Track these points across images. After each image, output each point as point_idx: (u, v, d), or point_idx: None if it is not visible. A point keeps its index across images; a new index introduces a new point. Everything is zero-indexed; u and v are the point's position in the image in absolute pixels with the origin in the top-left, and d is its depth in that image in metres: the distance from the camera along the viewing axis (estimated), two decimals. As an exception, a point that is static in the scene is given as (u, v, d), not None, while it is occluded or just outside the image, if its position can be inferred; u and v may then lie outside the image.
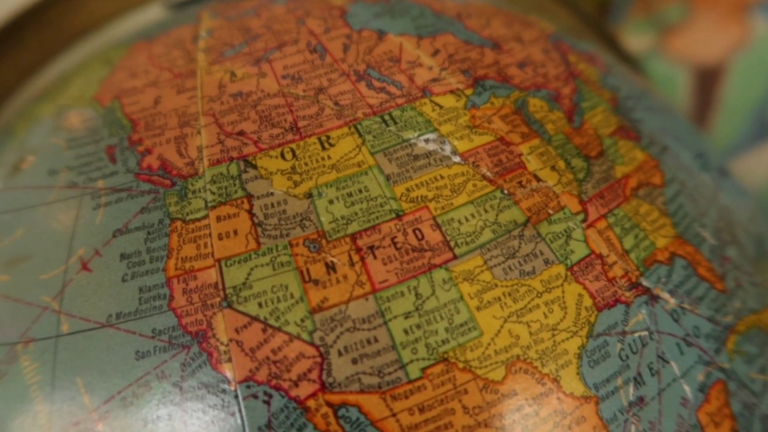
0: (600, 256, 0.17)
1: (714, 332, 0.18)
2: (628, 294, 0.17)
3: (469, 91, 0.19)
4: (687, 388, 0.17)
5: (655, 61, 0.51)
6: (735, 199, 0.22)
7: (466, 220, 0.17)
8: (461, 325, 0.15)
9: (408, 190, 0.17)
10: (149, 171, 0.18)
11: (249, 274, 0.16)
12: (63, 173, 0.19)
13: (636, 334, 0.17)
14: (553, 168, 0.18)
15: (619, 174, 0.19)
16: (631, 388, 0.16)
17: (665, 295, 0.17)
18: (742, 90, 0.50)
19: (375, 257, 0.16)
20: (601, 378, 0.16)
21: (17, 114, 0.25)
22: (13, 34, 0.28)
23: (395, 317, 0.15)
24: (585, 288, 0.17)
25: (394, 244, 0.16)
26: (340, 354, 0.15)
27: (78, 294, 0.16)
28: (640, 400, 0.16)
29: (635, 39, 0.53)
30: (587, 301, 0.16)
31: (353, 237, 0.16)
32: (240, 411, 0.15)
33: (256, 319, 0.15)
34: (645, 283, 0.17)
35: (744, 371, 0.18)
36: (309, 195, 0.17)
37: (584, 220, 0.17)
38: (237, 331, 0.15)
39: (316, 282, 0.16)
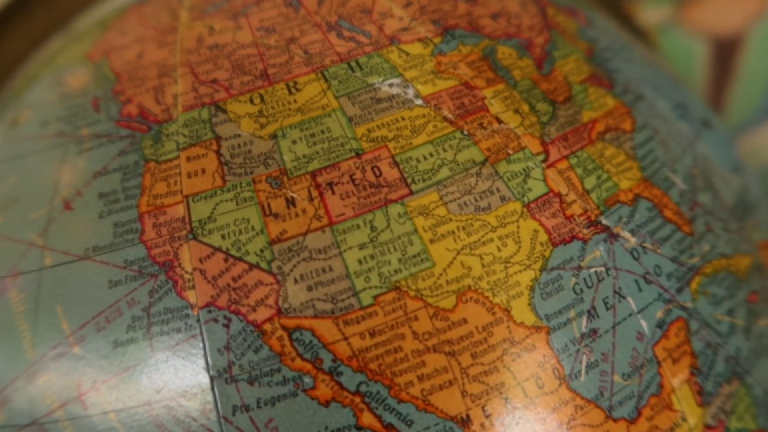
0: (558, 195, 0.17)
1: (677, 272, 0.18)
2: (585, 231, 0.17)
3: (437, 40, 0.19)
4: (644, 323, 0.17)
5: (672, 33, 0.51)
6: (717, 149, 0.22)
7: (424, 158, 0.17)
8: (414, 257, 0.16)
9: (369, 130, 0.17)
10: (128, 118, 0.19)
11: (214, 209, 0.17)
12: (53, 124, 0.20)
13: (592, 270, 0.17)
14: (516, 111, 0.18)
15: (586, 118, 0.19)
16: (584, 321, 0.16)
17: (626, 234, 0.18)
18: (760, 60, 0.48)
19: (333, 192, 0.16)
20: (553, 309, 0.16)
21: (24, 79, 0.26)
22: (23, 4, 0.29)
23: (350, 248, 0.16)
24: (541, 224, 0.17)
25: (353, 180, 0.17)
26: (296, 282, 0.16)
27: (60, 230, 0.18)
28: (593, 332, 0.16)
29: (652, 11, 0.52)
30: (542, 237, 0.17)
31: (313, 174, 0.17)
32: (201, 334, 0.15)
33: (218, 249, 0.16)
34: (605, 221, 0.18)
35: (708, 311, 0.18)
36: (274, 136, 0.17)
37: (545, 161, 0.18)
38: (201, 260, 0.16)
39: (276, 215, 0.16)
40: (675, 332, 0.17)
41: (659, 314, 0.17)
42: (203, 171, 0.17)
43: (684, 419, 0.17)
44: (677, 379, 0.17)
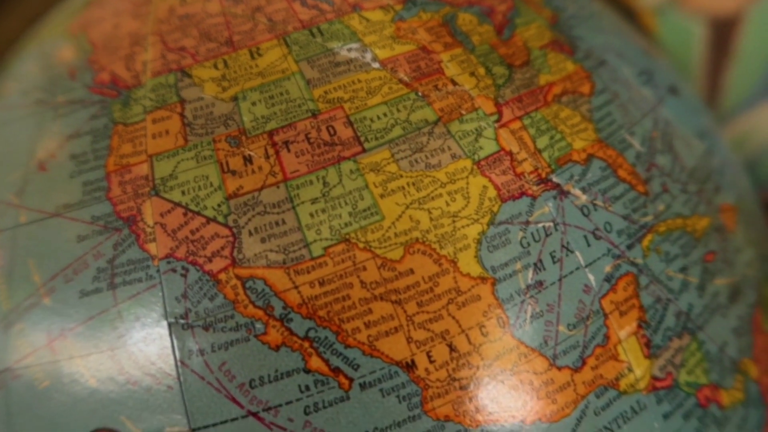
0: (509, 153, 0.18)
1: (628, 229, 0.18)
2: (535, 188, 0.18)
3: (398, 7, 0.20)
4: (591, 276, 0.17)
5: (670, 15, 0.50)
6: (682, 114, 0.23)
7: (378, 118, 0.18)
8: (364, 210, 0.17)
9: (326, 92, 0.18)
10: (101, 85, 0.19)
11: (176, 167, 0.17)
12: (32, 93, 0.21)
13: (540, 225, 0.17)
14: (472, 74, 0.19)
15: (543, 82, 0.20)
16: (530, 273, 0.17)
17: (576, 192, 0.18)
18: (758, 40, 0.48)
19: (289, 151, 0.17)
20: (499, 262, 0.17)
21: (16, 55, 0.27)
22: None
23: (303, 202, 0.17)
24: (491, 181, 0.17)
25: (308, 139, 0.17)
26: (250, 234, 0.16)
27: (35, 190, 0.18)
28: (539, 284, 0.17)
29: (651, -8, 0.52)
30: (491, 193, 0.17)
31: (270, 133, 0.17)
32: (160, 283, 0.16)
33: (178, 204, 0.17)
34: (555, 179, 0.18)
35: (660, 268, 0.19)
36: (234, 98, 0.18)
37: (497, 121, 0.18)
38: (162, 215, 0.17)
39: (233, 172, 0.17)
40: (623, 286, 0.18)
41: (608, 269, 0.18)
42: (167, 132, 0.18)
43: (630, 370, 0.17)
44: (624, 331, 0.17)
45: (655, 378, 0.18)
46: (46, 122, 0.20)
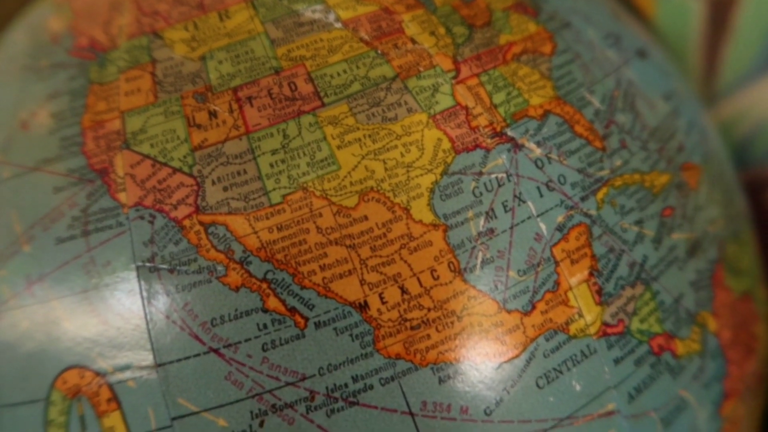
0: (465, 108, 0.19)
1: (583, 182, 0.19)
2: (489, 141, 0.18)
3: (364, -29, 0.21)
4: (543, 225, 0.18)
5: (669, -9, 0.50)
6: (648, 76, 0.23)
7: (338, 75, 0.18)
8: (321, 161, 0.17)
9: (289, 51, 0.19)
10: (80, 48, 0.20)
11: (145, 122, 0.18)
12: (19, 59, 0.22)
13: (493, 176, 0.18)
14: (432, 33, 0.20)
15: (503, 41, 0.20)
16: (481, 221, 0.18)
17: (531, 145, 0.19)
18: (756, 17, 0.48)
19: (252, 105, 0.18)
20: (451, 210, 0.17)
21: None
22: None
23: (263, 153, 0.17)
24: (445, 134, 0.18)
25: (270, 94, 0.18)
26: (213, 183, 0.17)
27: (18, 147, 0.20)
28: (490, 231, 0.18)
29: (650, -31, 0.52)
30: (446, 145, 0.18)
31: (235, 90, 0.18)
32: (130, 229, 0.17)
33: (147, 157, 0.18)
34: (510, 133, 0.19)
35: (614, 220, 0.19)
36: (203, 57, 0.19)
37: (455, 77, 0.19)
38: (132, 166, 0.18)
39: (199, 126, 0.18)
40: (576, 236, 0.18)
41: (560, 219, 0.18)
42: (139, 90, 0.19)
43: (580, 315, 0.18)
44: (575, 278, 0.18)
45: (606, 324, 0.18)
46: (29, 85, 0.21)
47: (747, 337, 0.23)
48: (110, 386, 0.17)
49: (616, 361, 0.18)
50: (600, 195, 0.19)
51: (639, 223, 0.20)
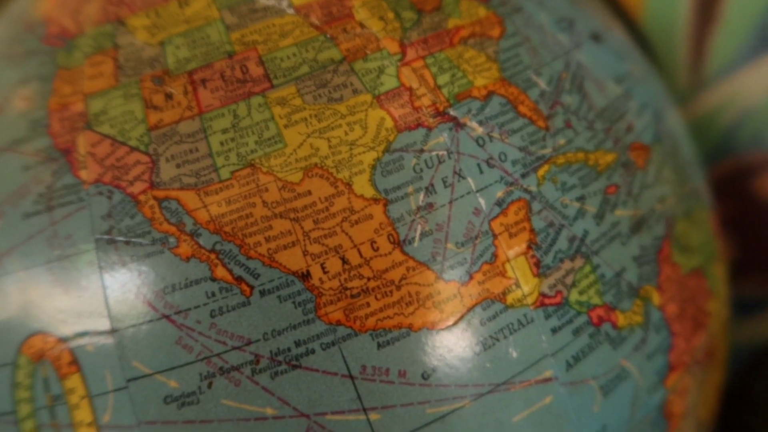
0: (409, 89, 0.19)
1: (524, 159, 0.20)
2: (431, 120, 0.19)
3: (319, -41, 0.22)
4: (482, 200, 0.19)
5: (659, -21, 0.51)
6: (600, 60, 0.24)
7: (288, 58, 0.19)
8: (269, 139, 0.18)
9: (242, 36, 0.20)
10: (50, 36, 0.22)
11: (106, 104, 0.19)
12: (-2, 47, 0.23)
13: (434, 153, 0.19)
14: (381, 18, 0.20)
15: (451, 25, 0.21)
16: (421, 195, 0.18)
17: (473, 124, 0.20)
18: (743, 3, 0.48)
19: (205, 87, 0.19)
20: (392, 185, 0.18)
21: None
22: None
23: (214, 132, 0.18)
24: (389, 113, 0.19)
25: (223, 77, 0.19)
26: (167, 161, 0.18)
27: (-9, 130, 0.21)
28: (429, 205, 0.18)
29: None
30: (388, 124, 0.19)
31: (190, 73, 0.19)
32: (89, 205, 0.18)
33: (107, 136, 0.19)
34: (452, 113, 0.19)
35: (555, 196, 0.20)
36: (162, 43, 0.20)
37: (401, 60, 0.20)
38: (93, 146, 0.19)
39: (155, 107, 0.19)
40: (515, 211, 0.19)
41: (499, 194, 0.19)
42: (102, 74, 0.20)
43: (518, 286, 0.19)
44: (513, 251, 0.19)
45: (543, 295, 0.19)
46: (4, 71, 0.22)
47: (696, 312, 0.23)
48: (71, 350, 0.18)
49: (554, 330, 0.19)
50: (541, 172, 0.20)
51: (581, 199, 0.20)
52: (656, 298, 0.22)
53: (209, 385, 0.17)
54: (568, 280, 0.20)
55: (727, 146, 0.49)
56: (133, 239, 0.18)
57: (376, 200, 0.18)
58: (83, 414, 0.18)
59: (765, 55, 0.47)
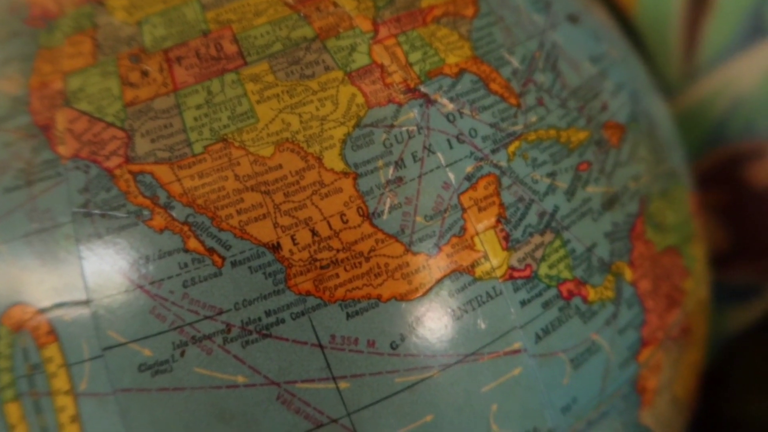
0: (381, 66, 0.20)
1: (494, 135, 0.20)
2: (402, 96, 0.19)
3: (296, -59, 0.22)
4: (451, 175, 0.19)
5: (652, -32, 0.51)
6: (577, 40, 0.24)
7: (261, 36, 0.20)
8: (241, 114, 0.19)
9: (218, 14, 0.20)
10: (33, 18, 0.22)
11: (84, 82, 0.20)
12: (-18, 30, 0.24)
13: (404, 128, 0.19)
14: (354, -3, 0.21)
15: (425, 5, 0.21)
16: (390, 170, 0.19)
17: (443, 101, 0.20)
18: (736, -11, 0.48)
19: (180, 65, 0.19)
20: (361, 159, 0.19)
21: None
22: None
23: (188, 108, 0.19)
24: (360, 89, 0.19)
25: (198, 55, 0.20)
26: (142, 136, 0.19)
27: (-25, 109, 0.21)
28: (399, 179, 0.19)
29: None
30: (359, 100, 0.19)
31: (166, 51, 0.20)
32: (67, 179, 0.19)
33: (84, 113, 0.19)
34: (423, 89, 0.20)
35: (525, 172, 0.20)
36: (139, 22, 0.20)
37: (373, 38, 0.20)
38: (70, 122, 0.19)
39: (132, 85, 0.19)
40: (484, 185, 0.20)
41: (469, 169, 0.19)
42: (81, 53, 0.20)
43: (486, 259, 0.19)
44: (482, 224, 0.19)
45: (512, 268, 0.19)
46: (-12, 53, 0.22)
47: (671, 289, 0.24)
48: (49, 321, 0.18)
49: (523, 303, 0.19)
50: (511, 148, 0.20)
51: (551, 175, 0.21)
52: (628, 274, 0.22)
53: (182, 354, 0.18)
54: (538, 254, 0.20)
55: (720, 135, 0.49)
56: (108, 212, 0.18)
57: (345, 174, 0.19)
58: (61, 382, 0.18)
59: (757, 44, 0.47)
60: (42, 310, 0.19)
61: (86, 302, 0.18)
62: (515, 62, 0.21)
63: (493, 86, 0.21)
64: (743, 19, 0.47)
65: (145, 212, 0.18)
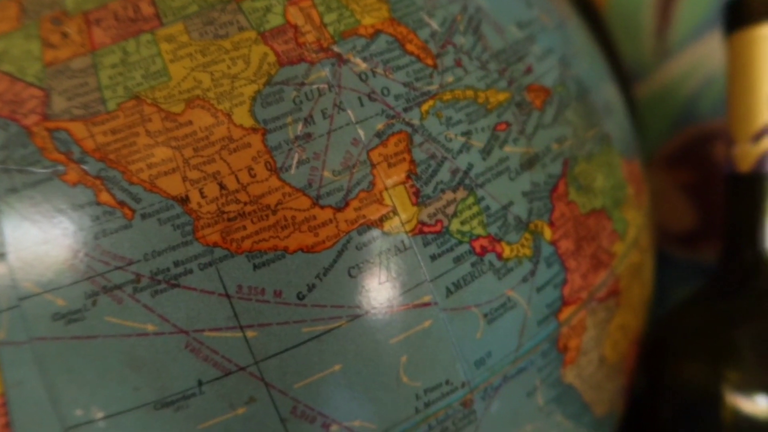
0: (295, 26, 0.20)
1: (407, 95, 0.20)
2: (314, 55, 0.20)
3: None
4: (361, 132, 0.20)
5: (627, -51, 0.51)
6: (502, 5, 0.24)
7: (179, -2, 0.20)
8: (155, 73, 0.19)
9: (138, -21, 0.21)
10: (-32, -14, 0.23)
11: (8, 45, 0.20)
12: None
13: (314, 86, 0.20)
14: (273, -39, 0.21)
15: (344, -31, 0.22)
16: (299, 126, 0.19)
17: (356, 60, 0.20)
18: (707, -32, 0.48)
19: (99, 26, 0.20)
20: (271, 116, 0.19)
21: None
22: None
23: (104, 68, 0.19)
24: (272, 49, 0.20)
25: (116, 16, 0.20)
26: (59, 94, 0.19)
27: None
28: (308, 135, 0.19)
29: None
30: (271, 58, 0.20)
31: (86, 13, 0.20)
32: (-12, 137, 0.19)
33: (6, 74, 0.20)
34: (336, 49, 0.20)
35: (438, 130, 0.21)
36: (63, -13, 0.21)
37: (288, 0, 0.21)
38: (-7, 83, 0.20)
39: (52, 46, 0.20)
40: (395, 142, 0.20)
41: (379, 126, 0.20)
42: (7, 18, 0.21)
43: (395, 213, 0.20)
44: (391, 180, 0.20)
45: (422, 223, 0.20)
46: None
47: (596, 250, 0.24)
48: (-31, 273, 0.19)
49: (433, 258, 0.20)
50: (425, 107, 0.21)
51: (466, 134, 0.21)
52: (548, 234, 0.22)
53: (93, 303, 0.18)
54: (450, 210, 0.20)
55: (690, 114, 0.49)
56: (25, 168, 0.19)
57: (254, 129, 0.19)
58: (-19, 332, 0.19)
59: (728, 22, 0.47)
60: (-36, 263, 0.19)
61: (3, 255, 0.19)
62: (435, 24, 0.22)
63: (410, 47, 0.21)
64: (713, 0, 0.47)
65: (60, 167, 0.19)
